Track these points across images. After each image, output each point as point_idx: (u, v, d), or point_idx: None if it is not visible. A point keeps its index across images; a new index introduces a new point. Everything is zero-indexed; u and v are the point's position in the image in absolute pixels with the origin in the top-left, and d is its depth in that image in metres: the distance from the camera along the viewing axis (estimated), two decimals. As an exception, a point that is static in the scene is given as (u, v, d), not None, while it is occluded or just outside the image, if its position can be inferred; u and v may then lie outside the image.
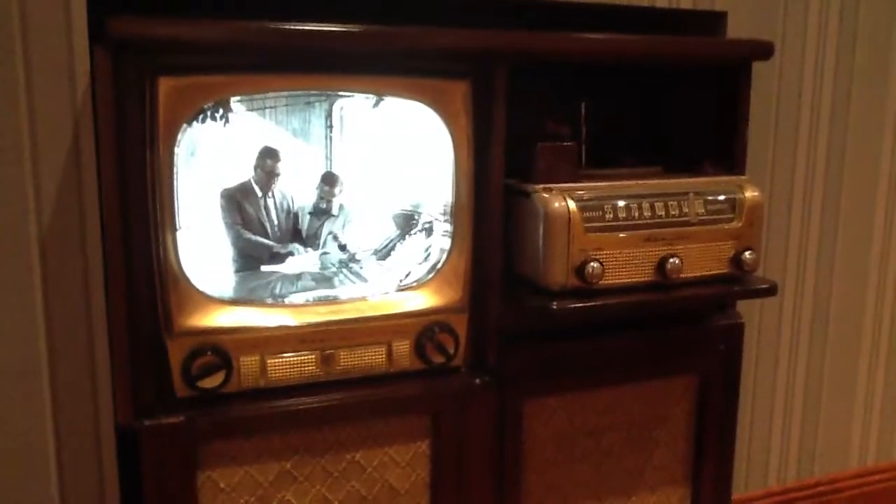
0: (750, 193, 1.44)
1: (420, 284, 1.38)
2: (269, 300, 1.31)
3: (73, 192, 1.26)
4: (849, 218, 1.97)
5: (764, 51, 1.53)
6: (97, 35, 1.22)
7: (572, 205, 1.31)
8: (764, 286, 1.46)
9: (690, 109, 1.65)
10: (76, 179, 1.26)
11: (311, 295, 1.35)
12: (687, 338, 1.56)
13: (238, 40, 1.17)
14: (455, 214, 1.36)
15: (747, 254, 1.41)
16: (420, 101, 1.32)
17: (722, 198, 1.43)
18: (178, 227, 1.21)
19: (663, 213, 1.37)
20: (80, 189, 1.26)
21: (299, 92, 1.30)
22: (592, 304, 1.32)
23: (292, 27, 1.18)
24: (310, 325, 1.30)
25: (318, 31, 1.19)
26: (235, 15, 1.34)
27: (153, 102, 1.16)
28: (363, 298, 1.36)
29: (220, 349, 1.25)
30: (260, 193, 1.33)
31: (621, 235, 1.34)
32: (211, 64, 1.20)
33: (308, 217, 1.37)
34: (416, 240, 1.41)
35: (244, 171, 1.32)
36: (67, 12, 1.21)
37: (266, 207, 1.34)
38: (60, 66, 1.23)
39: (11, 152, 1.22)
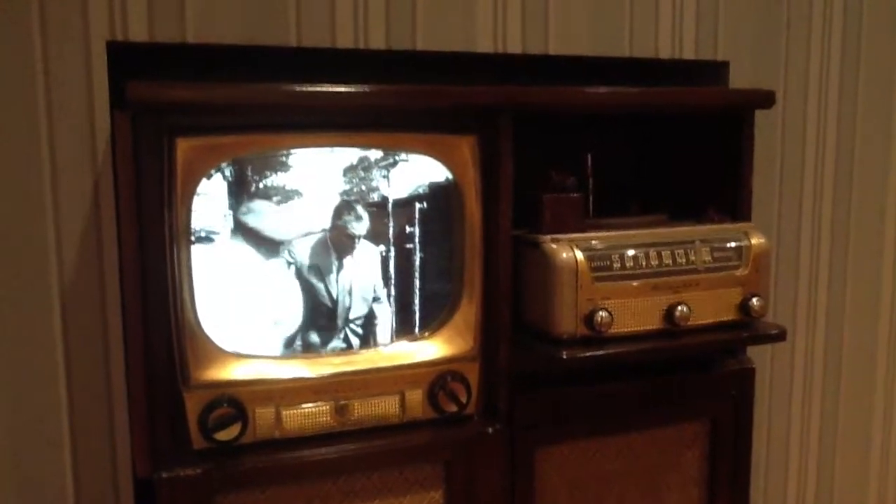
0: (756, 240, 1.46)
1: (432, 334, 1.40)
2: (284, 351, 1.34)
3: (94, 250, 1.30)
4: (857, 261, 1.98)
5: (765, 100, 1.56)
6: (117, 99, 1.27)
7: (580, 255, 1.33)
8: (773, 332, 1.47)
9: (695, 157, 1.67)
10: (96, 237, 1.30)
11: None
12: (697, 383, 1.57)
13: (251, 102, 1.22)
14: (465, 265, 1.38)
15: (755, 300, 1.43)
16: (429, 156, 1.36)
17: (728, 245, 1.45)
18: (194, 280, 1.24)
19: (670, 261, 1.40)
20: (100, 247, 1.30)
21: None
22: (602, 352, 1.34)
23: (304, 89, 1.22)
24: (324, 377, 1.32)
25: (329, 92, 1.23)
26: (248, 74, 1.39)
27: (171, 163, 1.21)
28: (376, 348, 1.38)
29: (236, 401, 1.27)
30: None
31: (629, 284, 1.36)
32: (227, 124, 1.24)
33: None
34: (427, 290, 1.43)
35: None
36: (89, 78, 1.27)
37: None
38: (82, 129, 1.27)
39: (34, 212, 1.26)
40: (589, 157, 1.57)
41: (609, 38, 1.63)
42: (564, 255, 1.33)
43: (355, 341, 1.39)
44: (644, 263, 1.38)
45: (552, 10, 1.57)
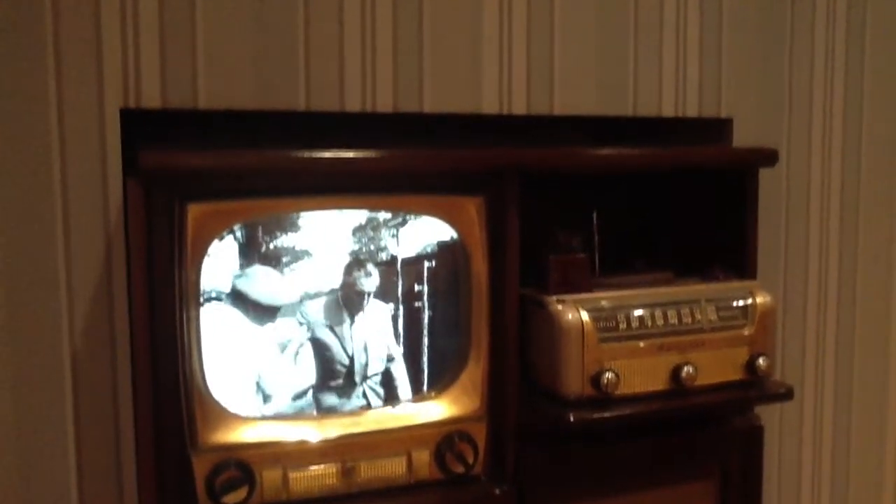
0: (761, 299, 1.47)
1: (439, 393, 1.40)
2: (292, 412, 1.34)
3: (105, 314, 1.31)
4: (865, 318, 1.98)
5: (769, 158, 1.58)
6: (128, 161, 1.30)
7: (585, 316, 1.34)
8: (781, 391, 1.47)
9: (699, 213, 1.69)
10: (107, 301, 1.31)
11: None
12: (705, 442, 1.56)
13: (261, 168, 1.24)
14: (472, 324, 1.39)
15: (761, 360, 1.43)
16: (436, 217, 1.37)
17: (734, 304, 1.46)
18: (203, 346, 1.25)
19: (676, 321, 1.40)
20: (111, 310, 1.32)
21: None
22: (609, 414, 1.34)
23: (312, 156, 1.24)
24: (331, 439, 1.32)
25: (337, 158, 1.25)
26: (258, 136, 1.42)
27: (182, 227, 1.23)
28: (384, 409, 1.39)
29: (243, 464, 1.27)
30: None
31: (635, 345, 1.37)
32: (237, 189, 1.26)
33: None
34: (435, 348, 1.44)
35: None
36: (103, 145, 1.29)
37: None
38: (95, 194, 1.30)
39: (47, 275, 1.28)
40: (595, 214, 1.59)
41: (613, 98, 1.65)
42: (570, 316, 1.34)
43: (363, 402, 1.39)
44: (650, 323, 1.39)
45: (557, 71, 1.59)
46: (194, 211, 1.23)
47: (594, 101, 1.63)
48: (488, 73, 1.54)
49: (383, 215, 1.36)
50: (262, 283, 1.30)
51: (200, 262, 1.24)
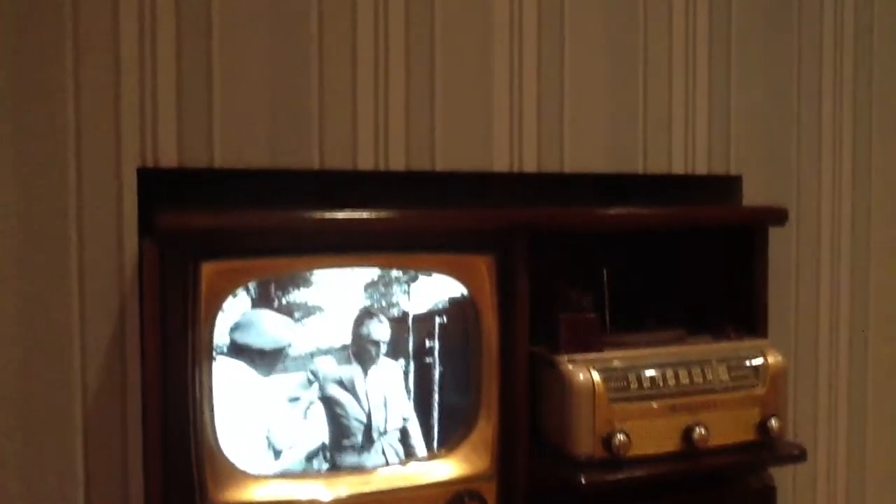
0: (773, 359, 1.47)
1: (449, 451, 1.40)
2: (302, 469, 1.34)
3: (118, 370, 1.32)
4: (877, 376, 1.97)
5: (778, 217, 1.59)
6: (143, 217, 1.31)
7: (596, 376, 1.34)
8: (794, 453, 1.46)
9: (710, 270, 1.69)
10: (120, 357, 1.32)
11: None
12: (718, 502, 1.55)
13: (275, 228, 1.25)
14: (483, 382, 1.39)
15: (773, 420, 1.42)
16: (447, 275, 1.38)
17: (745, 364, 1.45)
18: (214, 403, 1.25)
19: (687, 381, 1.40)
20: (124, 367, 1.32)
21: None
22: (621, 476, 1.33)
23: (325, 216, 1.26)
24: (341, 499, 1.31)
25: (349, 219, 1.27)
26: (272, 193, 1.44)
27: (195, 285, 1.24)
28: (394, 467, 1.38)
29: (253, 523, 1.26)
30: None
31: (647, 405, 1.37)
32: (251, 248, 1.27)
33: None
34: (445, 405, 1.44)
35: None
36: (119, 204, 1.31)
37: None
38: (110, 252, 1.31)
39: (61, 332, 1.29)
40: (605, 271, 1.59)
41: (623, 156, 1.67)
42: (581, 376, 1.34)
43: (373, 460, 1.39)
44: (661, 384, 1.38)
45: (567, 129, 1.61)
46: (208, 269, 1.24)
47: (604, 159, 1.65)
48: (499, 132, 1.56)
49: (395, 272, 1.37)
50: (265, 326, 1.31)
51: (213, 320, 1.25)
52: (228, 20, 1.37)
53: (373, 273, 1.37)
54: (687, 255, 1.75)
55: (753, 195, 1.79)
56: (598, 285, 1.56)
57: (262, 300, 1.30)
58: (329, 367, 1.36)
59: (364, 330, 1.38)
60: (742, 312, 1.58)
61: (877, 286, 1.96)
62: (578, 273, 1.53)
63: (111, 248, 1.31)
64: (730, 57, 1.77)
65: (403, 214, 1.31)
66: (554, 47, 1.60)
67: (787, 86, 1.84)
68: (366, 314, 1.37)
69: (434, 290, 1.40)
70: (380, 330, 1.38)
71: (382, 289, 1.38)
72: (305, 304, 1.34)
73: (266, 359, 1.32)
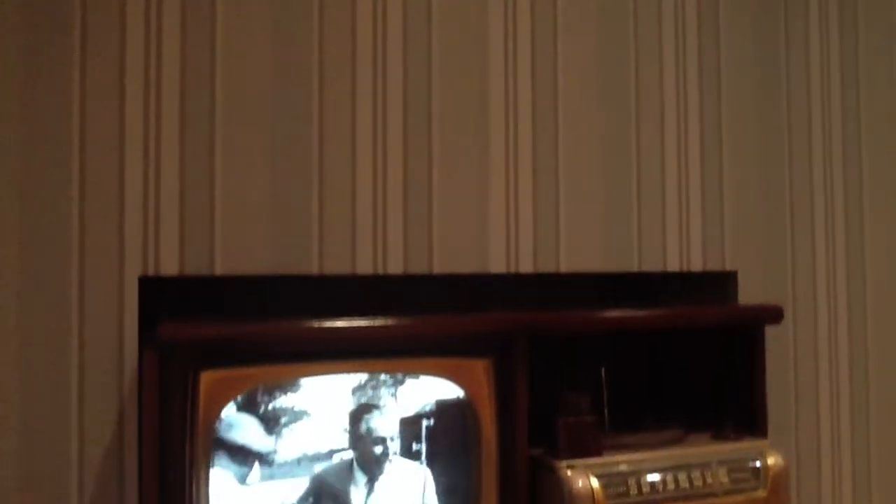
0: (773, 460, 1.46)
1: (449, 559, 1.38)
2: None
3: (115, 474, 1.31)
4: (881, 475, 1.95)
5: (774, 315, 1.60)
6: (144, 324, 1.33)
7: (596, 483, 1.33)
8: (797, 557, 1.44)
9: (707, 367, 1.69)
10: (118, 462, 1.32)
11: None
12: None
13: (275, 338, 1.27)
14: (482, 486, 1.38)
15: (776, 525, 1.41)
16: (445, 379, 1.39)
17: (746, 465, 1.44)
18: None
19: (688, 485, 1.39)
20: (122, 471, 1.32)
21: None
22: (622, 586, 1.31)
23: (323, 325, 1.27)
24: None
25: (348, 327, 1.28)
26: (272, 298, 1.45)
27: (194, 394, 1.24)
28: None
29: None
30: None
31: (647, 511, 1.35)
32: (250, 356, 1.28)
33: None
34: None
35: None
36: (120, 312, 1.33)
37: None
38: (111, 358, 1.32)
39: (59, 436, 1.29)
40: (603, 370, 1.60)
41: (618, 254, 1.69)
42: (581, 482, 1.33)
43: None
44: (661, 488, 1.37)
45: (563, 229, 1.64)
46: (207, 378, 1.25)
47: (600, 258, 1.67)
48: (495, 234, 1.58)
49: (383, 374, 1.37)
50: (250, 432, 1.30)
51: (212, 428, 1.25)
52: (230, 128, 1.41)
53: (361, 377, 1.37)
54: (684, 352, 1.75)
55: (749, 290, 1.81)
56: (596, 384, 1.57)
57: (247, 407, 1.30)
58: (318, 473, 1.34)
59: (363, 427, 1.37)
60: (741, 410, 1.58)
61: (876, 383, 1.96)
62: (577, 372, 1.54)
63: (111, 355, 1.32)
64: (721, 155, 1.81)
65: (401, 322, 1.32)
66: (548, 149, 1.64)
67: (778, 181, 1.87)
68: (364, 408, 1.37)
69: (422, 393, 1.39)
70: (383, 423, 1.37)
71: (370, 392, 1.38)
72: (292, 409, 1.33)
73: (251, 463, 1.31)
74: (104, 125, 1.34)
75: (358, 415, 1.37)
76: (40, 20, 1.31)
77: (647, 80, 1.74)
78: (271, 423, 1.30)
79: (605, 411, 1.57)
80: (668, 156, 1.76)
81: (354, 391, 1.36)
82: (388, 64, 1.52)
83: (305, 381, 1.32)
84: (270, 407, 1.32)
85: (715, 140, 1.80)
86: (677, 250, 1.75)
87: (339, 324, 1.27)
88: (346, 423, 1.35)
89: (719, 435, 1.54)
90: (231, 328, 1.24)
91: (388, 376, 1.37)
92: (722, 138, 1.81)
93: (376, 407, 1.37)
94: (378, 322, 1.30)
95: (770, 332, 1.64)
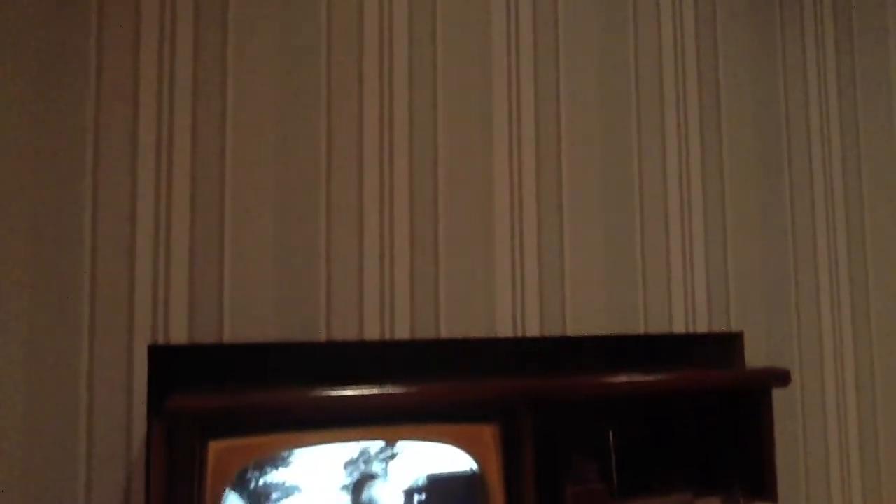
0: (783, 527, 1.45)
1: None
2: None
3: (121, 550, 1.31)
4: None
5: (781, 379, 1.60)
6: (154, 402, 1.34)
7: (604, 552, 1.32)
8: None
9: (715, 429, 1.69)
10: (125, 538, 1.32)
11: None
12: None
13: (283, 407, 1.27)
14: (490, 555, 1.37)
15: None
16: (452, 445, 1.39)
17: (756, 532, 1.43)
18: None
19: (697, 553, 1.38)
20: (128, 547, 1.32)
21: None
22: None
23: (331, 394, 1.28)
24: None
25: (355, 396, 1.29)
26: (280, 364, 1.46)
27: (202, 464, 1.24)
28: None
29: None
30: None
31: (656, 581, 1.34)
32: (259, 426, 1.29)
33: None
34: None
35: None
36: (129, 380, 1.34)
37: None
38: (119, 426, 1.33)
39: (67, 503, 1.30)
40: (611, 434, 1.59)
41: (624, 317, 1.70)
42: (589, 552, 1.32)
43: None
44: (671, 557, 1.36)
45: (568, 293, 1.65)
46: (215, 448, 1.25)
47: (606, 321, 1.68)
48: (502, 297, 1.60)
49: (374, 447, 1.37)
50: None
51: (220, 497, 1.25)
52: (239, 200, 1.43)
53: (353, 450, 1.36)
54: (691, 415, 1.75)
55: (755, 350, 1.81)
56: (604, 447, 1.56)
57: (239, 484, 1.30)
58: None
59: (365, 496, 1.36)
60: (750, 473, 1.57)
61: (886, 446, 1.94)
62: (585, 436, 1.53)
63: (120, 424, 1.32)
64: (724, 216, 1.82)
65: (408, 390, 1.33)
66: (552, 213, 1.66)
67: (781, 242, 1.88)
68: (367, 477, 1.37)
69: (415, 464, 1.39)
70: (386, 492, 1.37)
71: (363, 465, 1.37)
72: (283, 484, 1.32)
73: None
74: (116, 194, 1.36)
75: (360, 485, 1.37)
76: (53, 94, 1.34)
77: (648, 143, 1.77)
78: (263, 499, 1.30)
79: (614, 476, 1.56)
80: (671, 217, 1.78)
81: (355, 460, 1.36)
82: (394, 130, 1.55)
83: (300, 453, 1.32)
84: (262, 483, 1.31)
85: (718, 202, 1.82)
86: (683, 312, 1.76)
87: (348, 392, 1.28)
88: (348, 494, 1.35)
89: (728, 499, 1.53)
90: (238, 398, 1.24)
91: (391, 444, 1.37)
92: (725, 201, 1.83)
93: (379, 476, 1.37)
94: (385, 390, 1.30)
95: (778, 394, 1.63)
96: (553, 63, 1.69)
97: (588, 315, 1.67)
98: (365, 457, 1.36)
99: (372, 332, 1.49)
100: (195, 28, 1.43)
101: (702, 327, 1.78)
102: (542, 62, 1.68)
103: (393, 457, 1.37)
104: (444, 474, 1.40)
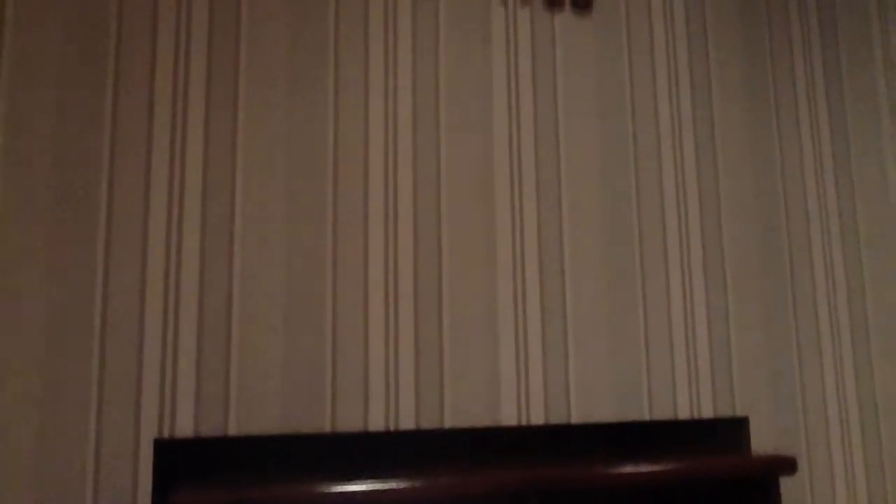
0: None
1: None
2: None
3: None
4: None
5: (788, 467, 1.59)
6: (159, 497, 1.33)
7: None
8: None
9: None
10: None
11: None
12: None
13: (291, 502, 1.27)
14: None
15: None
16: (458, 538, 1.38)
17: None
18: None
19: None
20: None
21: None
22: None
23: (336, 490, 1.27)
24: None
25: (361, 491, 1.28)
26: (285, 454, 1.46)
27: (206, 562, 1.23)
28: None
29: None
30: None
31: None
32: (262, 520, 1.28)
33: None
34: None
35: None
36: (135, 475, 1.34)
37: None
38: (123, 525, 1.33)
39: None
40: (617, 524, 1.58)
41: (629, 404, 1.70)
42: None
43: None
44: None
45: (572, 380, 1.66)
46: (219, 545, 1.24)
47: (610, 408, 1.68)
48: (506, 387, 1.60)
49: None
50: None
51: None
52: (246, 292, 1.45)
53: None
54: (697, 503, 1.73)
55: (761, 436, 1.80)
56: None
57: None
58: None
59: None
60: (760, 567, 1.55)
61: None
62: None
63: (125, 522, 1.32)
64: (727, 301, 1.84)
65: (416, 484, 1.32)
66: (556, 302, 1.68)
67: (784, 325, 1.89)
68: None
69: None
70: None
71: None
72: None
73: None
74: (126, 286, 1.39)
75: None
76: (70, 164, 1.38)
77: (648, 229, 1.79)
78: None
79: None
80: (674, 304, 1.79)
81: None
82: (399, 221, 1.58)
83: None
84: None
85: (720, 288, 1.84)
86: (687, 398, 1.76)
87: (352, 488, 1.27)
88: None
89: (739, 593, 1.50)
90: (241, 494, 1.24)
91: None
92: (727, 289, 1.85)
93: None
94: (391, 485, 1.30)
95: (787, 482, 1.62)
96: (554, 169, 1.73)
97: (593, 402, 1.67)
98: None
99: (377, 423, 1.50)
100: (205, 139, 1.48)
101: (707, 413, 1.78)
102: (543, 182, 1.72)
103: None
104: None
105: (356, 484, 1.29)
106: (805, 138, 2.00)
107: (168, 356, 1.39)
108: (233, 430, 1.41)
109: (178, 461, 1.36)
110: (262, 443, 1.43)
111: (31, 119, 1.38)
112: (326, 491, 1.27)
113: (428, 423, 1.53)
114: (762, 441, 1.81)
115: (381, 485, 1.30)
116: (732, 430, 1.82)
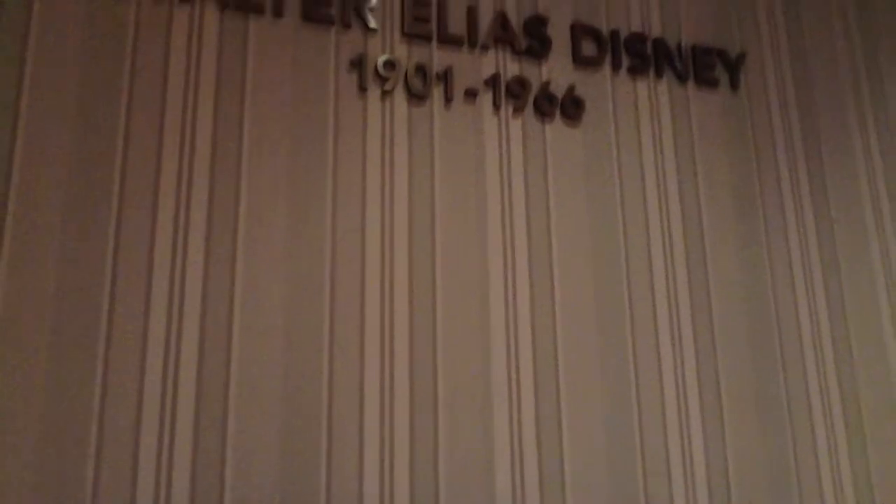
0: None
1: None
2: None
3: None
4: None
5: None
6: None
7: None
8: None
9: None
10: None
11: None
12: None
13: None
14: None
15: None
16: None
17: None
18: None
19: None
20: None
21: None
22: None
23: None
24: None
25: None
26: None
27: None
28: None
29: None
30: None
31: None
32: None
33: None
34: None
35: None
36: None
37: None
38: None
39: None
40: None
41: (625, 501, 1.68)
42: None
43: None
44: None
45: (568, 482, 1.65)
46: None
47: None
48: (501, 486, 1.59)
49: None
50: None
51: None
52: (241, 414, 1.49)
53: None
54: None
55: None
56: None
57: None
58: None
59: None
60: None
61: None
62: None
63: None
64: (721, 404, 1.84)
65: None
66: (551, 406, 1.69)
67: (780, 424, 1.88)
68: None
69: None
70: None
71: None
72: None
73: None
74: (124, 383, 1.43)
75: None
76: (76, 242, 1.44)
77: (643, 339, 1.82)
78: None
79: None
80: (668, 408, 1.79)
81: None
82: (395, 329, 1.62)
83: None
84: None
85: (714, 393, 1.84)
86: (683, 496, 1.73)
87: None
88: None
89: None
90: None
91: None
92: (721, 394, 1.85)
93: None
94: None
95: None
96: (548, 277, 1.78)
97: (588, 500, 1.65)
98: None
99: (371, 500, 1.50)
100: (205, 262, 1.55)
101: (704, 507, 1.75)
102: (538, 289, 1.77)
103: None
104: None
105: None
106: (793, 244, 2.04)
107: (164, 452, 1.41)
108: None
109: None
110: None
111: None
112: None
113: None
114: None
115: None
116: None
